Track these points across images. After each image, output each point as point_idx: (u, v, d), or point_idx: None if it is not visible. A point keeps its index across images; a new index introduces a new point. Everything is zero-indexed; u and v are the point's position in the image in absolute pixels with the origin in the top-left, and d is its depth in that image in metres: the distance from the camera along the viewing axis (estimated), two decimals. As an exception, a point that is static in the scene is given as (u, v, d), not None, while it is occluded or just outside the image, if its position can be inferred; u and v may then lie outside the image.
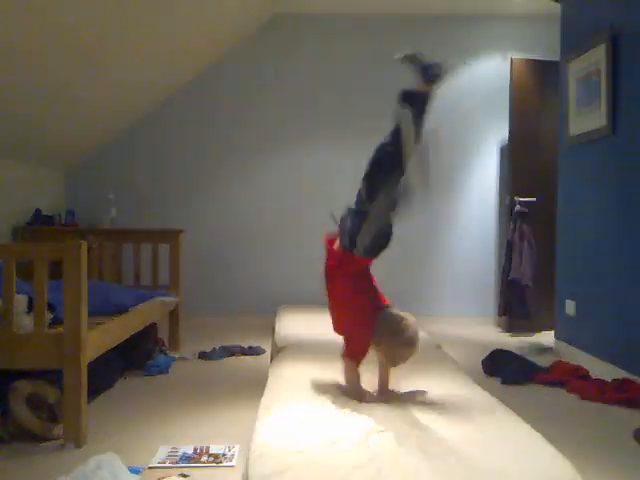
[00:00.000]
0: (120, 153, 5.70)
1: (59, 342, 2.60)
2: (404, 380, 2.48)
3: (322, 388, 2.39)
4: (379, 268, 5.70)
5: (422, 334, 3.63)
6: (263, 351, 4.50)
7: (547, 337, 5.04)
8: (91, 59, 4.10)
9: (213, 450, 2.53)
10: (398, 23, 5.77)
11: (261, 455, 1.71)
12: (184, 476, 2.27)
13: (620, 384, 3.47)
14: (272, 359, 3.31)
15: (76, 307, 2.60)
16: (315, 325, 3.92)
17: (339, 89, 5.80)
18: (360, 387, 2.35)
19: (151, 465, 2.38)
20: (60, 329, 2.68)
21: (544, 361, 4.12)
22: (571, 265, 4.52)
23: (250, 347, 4.54)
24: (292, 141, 5.78)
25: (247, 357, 4.43)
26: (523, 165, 5.50)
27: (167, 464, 2.39)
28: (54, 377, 2.73)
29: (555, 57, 5.01)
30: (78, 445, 2.57)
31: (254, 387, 3.31)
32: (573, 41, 4.51)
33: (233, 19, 5.33)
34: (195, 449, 2.54)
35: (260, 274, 5.73)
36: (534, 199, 5.42)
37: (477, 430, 1.92)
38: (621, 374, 3.64)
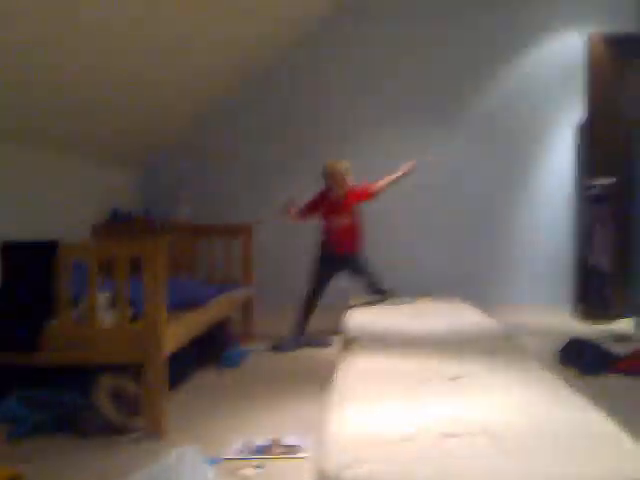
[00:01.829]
0: (193, 151, 5.83)
1: (140, 336, 2.71)
2: (478, 375, 2.45)
3: (393, 379, 2.40)
4: (448, 252, 5.67)
5: (494, 323, 3.60)
6: (332, 342, 4.53)
7: (627, 325, 4.86)
8: (171, 48, 4.18)
9: (287, 442, 2.58)
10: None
11: (337, 446, 1.73)
12: (259, 467, 2.33)
13: None
14: (342, 350, 3.33)
15: (155, 302, 2.70)
16: (385, 317, 3.93)
17: (420, 72, 5.77)
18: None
19: (227, 456, 2.45)
20: (140, 324, 2.79)
21: (623, 349, 3.98)
22: (652, 250, 4.34)
23: (323, 339, 4.59)
24: (368, 126, 5.77)
25: (318, 348, 4.48)
26: (601, 146, 5.28)
27: (242, 455, 2.46)
28: (133, 371, 2.84)
29: (637, 30, 4.79)
30: (159, 437, 2.67)
31: (325, 379, 3.34)
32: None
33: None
34: (269, 440, 2.59)
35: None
36: (613, 180, 5.20)
37: (550, 420, 1.88)
38: None
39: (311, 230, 5.70)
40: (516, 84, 5.68)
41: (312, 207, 4.68)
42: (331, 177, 4.55)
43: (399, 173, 4.70)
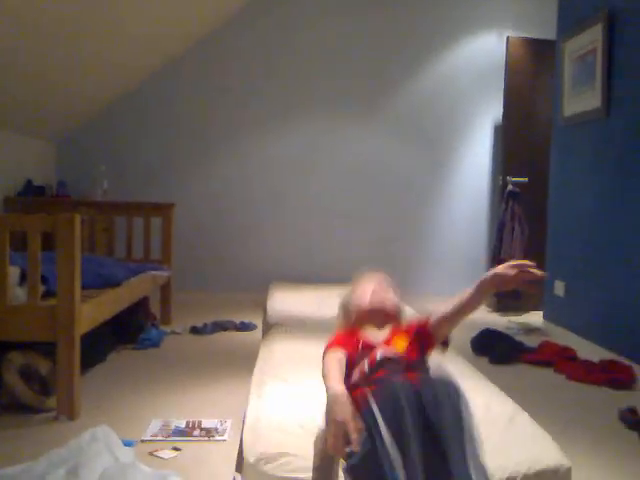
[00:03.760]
0: (112, 124, 5.64)
1: (52, 314, 2.61)
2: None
3: (314, 363, 2.41)
4: (370, 246, 5.76)
5: (412, 312, 3.68)
6: (254, 327, 4.52)
7: (536, 317, 5.10)
8: (104, 14, 3.99)
9: (205, 424, 2.55)
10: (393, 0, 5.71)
11: (257, 431, 1.72)
12: (176, 449, 2.30)
13: (607, 365, 3.52)
14: (264, 335, 3.33)
15: (70, 279, 2.61)
16: (306, 302, 3.95)
17: (336, 67, 5.73)
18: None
19: (144, 438, 2.40)
20: (53, 301, 2.68)
21: (532, 341, 4.18)
22: (561, 246, 4.56)
23: (242, 323, 4.56)
24: (282, 117, 5.72)
25: (238, 333, 4.45)
26: (516, 145, 5.50)
27: (159, 437, 2.41)
28: (47, 349, 2.74)
29: (552, 36, 4.99)
30: (71, 418, 2.59)
31: (246, 362, 3.34)
32: (570, 20, 4.49)
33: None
34: (187, 423, 2.56)
35: (252, 251, 5.72)
36: (526, 179, 5.44)
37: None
38: (608, 355, 3.70)
39: (232, 213, 5.68)
40: (436, 83, 5.79)
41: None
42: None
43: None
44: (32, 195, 4.81)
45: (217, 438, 2.43)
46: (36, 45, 3.83)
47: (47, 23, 3.66)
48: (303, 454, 1.60)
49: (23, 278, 2.81)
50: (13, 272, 2.78)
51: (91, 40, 4.25)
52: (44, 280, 2.86)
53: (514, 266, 1.63)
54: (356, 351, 1.70)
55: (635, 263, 3.58)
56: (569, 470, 1.63)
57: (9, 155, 4.69)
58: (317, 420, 1.80)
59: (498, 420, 1.86)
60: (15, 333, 2.63)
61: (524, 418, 1.89)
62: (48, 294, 2.84)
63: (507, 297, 5.41)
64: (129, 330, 3.97)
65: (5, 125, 4.52)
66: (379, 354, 1.63)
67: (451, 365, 2.46)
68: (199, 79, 5.66)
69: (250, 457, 1.60)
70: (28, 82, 4.23)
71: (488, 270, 1.69)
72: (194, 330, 4.38)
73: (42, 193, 5.00)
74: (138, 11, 4.33)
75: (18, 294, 2.75)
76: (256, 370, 2.40)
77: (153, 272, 4.19)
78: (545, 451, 1.67)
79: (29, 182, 4.84)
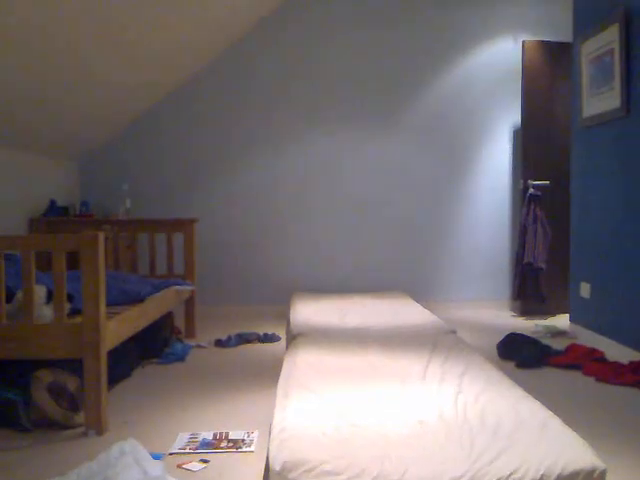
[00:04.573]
0: (133, 143, 5.71)
1: (79, 332, 2.64)
2: (422, 368, 2.49)
3: (338, 374, 2.41)
4: (392, 254, 5.76)
5: (436, 319, 3.67)
6: (278, 338, 4.53)
7: (562, 320, 5.04)
8: (113, 37, 4.05)
9: (232, 436, 2.56)
10: (404, 4, 5.73)
11: (282, 441, 1.73)
12: (204, 462, 2.31)
13: (637, 366, 3.47)
14: (287, 346, 3.33)
15: (94, 297, 2.64)
16: (328, 312, 3.95)
17: (355, 76, 5.76)
18: None
19: (171, 451, 2.41)
20: (78, 319, 2.72)
21: (559, 344, 4.13)
22: (585, 248, 4.51)
23: (265, 334, 4.57)
24: (306, 127, 5.75)
25: (263, 344, 4.46)
26: (536, 148, 5.47)
27: (187, 450, 2.42)
28: (74, 366, 2.77)
29: (568, 39, 4.97)
30: (99, 433, 2.62)
31: (271, 373, 3.34)
32: (586, 22, 4.46)
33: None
34: (214, 435, 2.57)
35: (274, 263, 5.74)
36: (547, 182, 5.40)
37: (493, 410, 1.94)
38: (638, 356, 3.64)
39: (254, 226, 5.71)
40: (454, 90, 5.78)
41: None
42: None
43: None
44: (56, 215, 4.89)
45: (244, 449, 2.43)
46: (49, 71, 3.89)
47: (58, 50, 3.72)
48: (327, 461, 1.60)
49: (49, 297, 2.85)
50: (39, 291, 2.83)
51: (106, 62, 4.32)
52: (70, 298, 2.91)
53: None
54: None
55: (661, 262, 3.53)
56: (604, 472, 1.60)
57: (33, 176, 4.78)
58: (341, 428, 1.80)
59: (529, 424, 1.84)
60: (43, 351, 2.67)
61: (555, 422, 1.87)
62: (74, 312, 2.89)
63: (532, 300, 5.36)
64: (154, 345, 4.00)
65: (28, 147, 4.60)
66: None
67: (479, 371, 2.45)
68: (218, 95, 5.72)
69: (275, 466, 1.60)
70: (47, 107, 4.31)
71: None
72: (219, 343, 4.40)
73: (66, 213, 5.08)
74: (155, 32, 4.40)
75: (45, 313, 2.80)
76: (281, 380, 2.41)
77: (176, 287, 4.23)
78: (579, 454, 1.64)
79: (53, 202, 4.91)
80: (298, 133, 5.75)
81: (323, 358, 2.67)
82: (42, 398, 2.64)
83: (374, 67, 5.75)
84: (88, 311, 2.65)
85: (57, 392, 2.67)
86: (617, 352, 3.84)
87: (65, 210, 5.09)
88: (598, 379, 3.45)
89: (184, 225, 4.75)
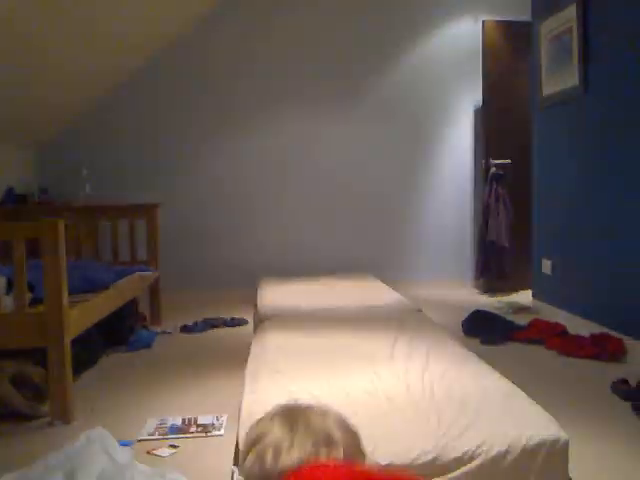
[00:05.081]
0: (92, 128, 5.59)
1: (41, 321, 2.60)
2: (390, 347, 2.50)
3: (307, 355, 2.42)
4: (355, 234, 5.77)
5: (403, 299, 3.70)
6: (246, 322, 4.52)
7: (524, 296, 5.13)
8: (72, 18, 3.94)
9: (201, 421, 2.55)
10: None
11: (250, 422, 1.72)
12: (174, 447, 2.30)
13: (598, 339, 3.55)
14: (255, 330, 3.32)
15: (56, 285, 2.59)
16: (296, 295, 3.94)
17: (320, 59, 5.72)
18: None
19: (140, 438, 2.40)
20: (40, 308, 2.67)
21: (522, 320, 4.21)
22: (547, 225, 4.59)
23: (232, 319, 4.56)
24: (272, 110, 5.71)
25: (230, 329, 4.45)
26: (497, 127, 5.53)
27: (156, 436, 2.41)
28: (38, 356, 2.72)
29: (527, 18, 5.00)
30: (66, 422, 2.58)
31: (238, 358, 3.32)
32: (545, 1, 4.50)
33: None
34: (183, 420, 2.56)
35: (239, 248, 5.71)
36: (509, 161, 5.47)
37: (459, 386, 1.96)
38: (598, 329, 3.73)
39: (218, 209, 5.66)
40: (416, 70, 5.79)
41: None
42: None
43: None
44: (14, 203, 4.77)
45: (214, 433, 2.43)
46: (2, 56, 3.78)
47: (13, 35, 3.61)
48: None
49: (10, 287, 2.79)
50: (-1, 281, 2.76)
51: (63, 46, 4.20)
52: (31, 287, 2.84)
53: None
54: None
55: (618, 237, 3.62)
56: (567, 442, 1.64)
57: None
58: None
59: (494, 398, 1.87)
60: (5, 341, 2.62)
61: (520, 395, 1.90)
62: (35, 301, 2.82)
63: (495, 278, 5.44)
64: (120, 333, 3.96)
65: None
66: None
67: (445, 348, 2.48)
68: (180, 78, 5.63)
69: (245, 448, 1.60)
70: (3, 92, 4.18)
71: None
72: (185, 329, 4.38)
73: (24, 201, 4.96)
74: (112, 12, 4.29)
75: (6, 303, 2.74)
76: (249, 364, 2.40)
77: (140, 273, 4.17)
78: (542, 425, 1.68)
79: (10, 190, 4.79)
80: (263, 117, 5.70)
81: (291, 340, 2.67)
82: (6, 389, 2.59)
83: (336, 50, 5.72)
84: (50, 300, 2.60)
85: (21, 382, 2.63)
86: (578, 325, 3.93)
87: (23, 198, 4.96)
88: (560, 352, 3.53)
89: (147, 210, 4.69)
